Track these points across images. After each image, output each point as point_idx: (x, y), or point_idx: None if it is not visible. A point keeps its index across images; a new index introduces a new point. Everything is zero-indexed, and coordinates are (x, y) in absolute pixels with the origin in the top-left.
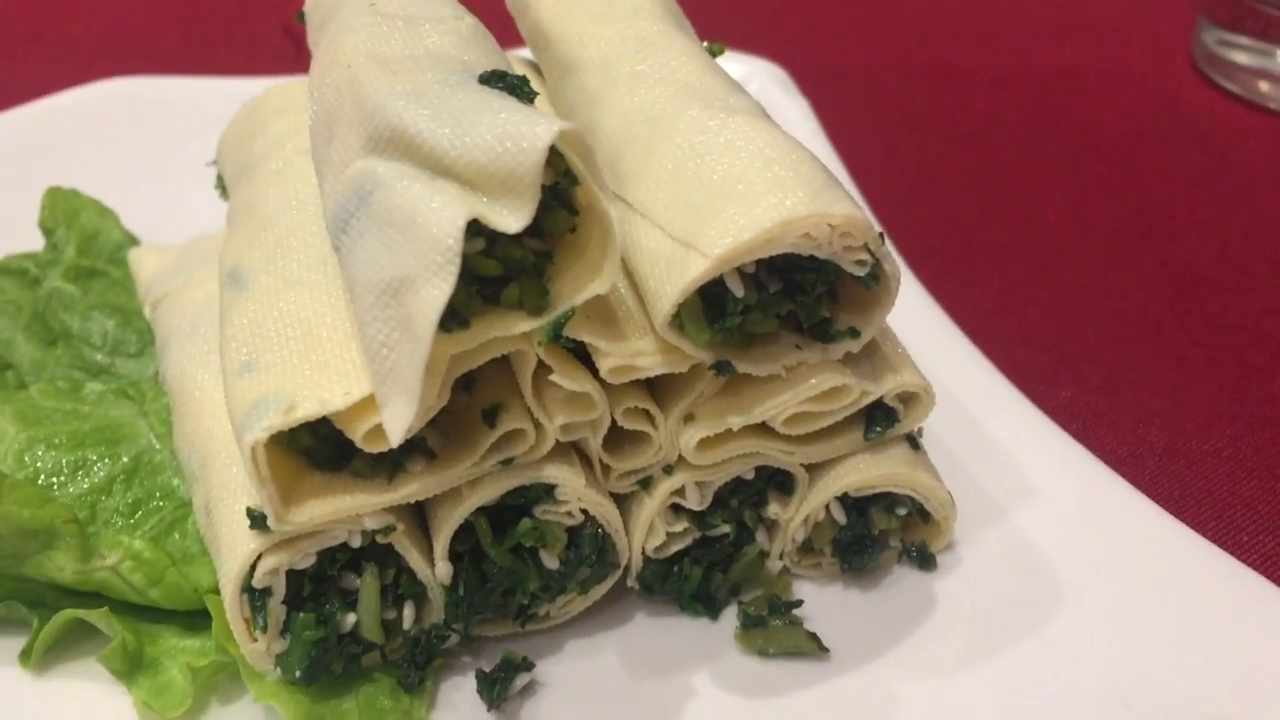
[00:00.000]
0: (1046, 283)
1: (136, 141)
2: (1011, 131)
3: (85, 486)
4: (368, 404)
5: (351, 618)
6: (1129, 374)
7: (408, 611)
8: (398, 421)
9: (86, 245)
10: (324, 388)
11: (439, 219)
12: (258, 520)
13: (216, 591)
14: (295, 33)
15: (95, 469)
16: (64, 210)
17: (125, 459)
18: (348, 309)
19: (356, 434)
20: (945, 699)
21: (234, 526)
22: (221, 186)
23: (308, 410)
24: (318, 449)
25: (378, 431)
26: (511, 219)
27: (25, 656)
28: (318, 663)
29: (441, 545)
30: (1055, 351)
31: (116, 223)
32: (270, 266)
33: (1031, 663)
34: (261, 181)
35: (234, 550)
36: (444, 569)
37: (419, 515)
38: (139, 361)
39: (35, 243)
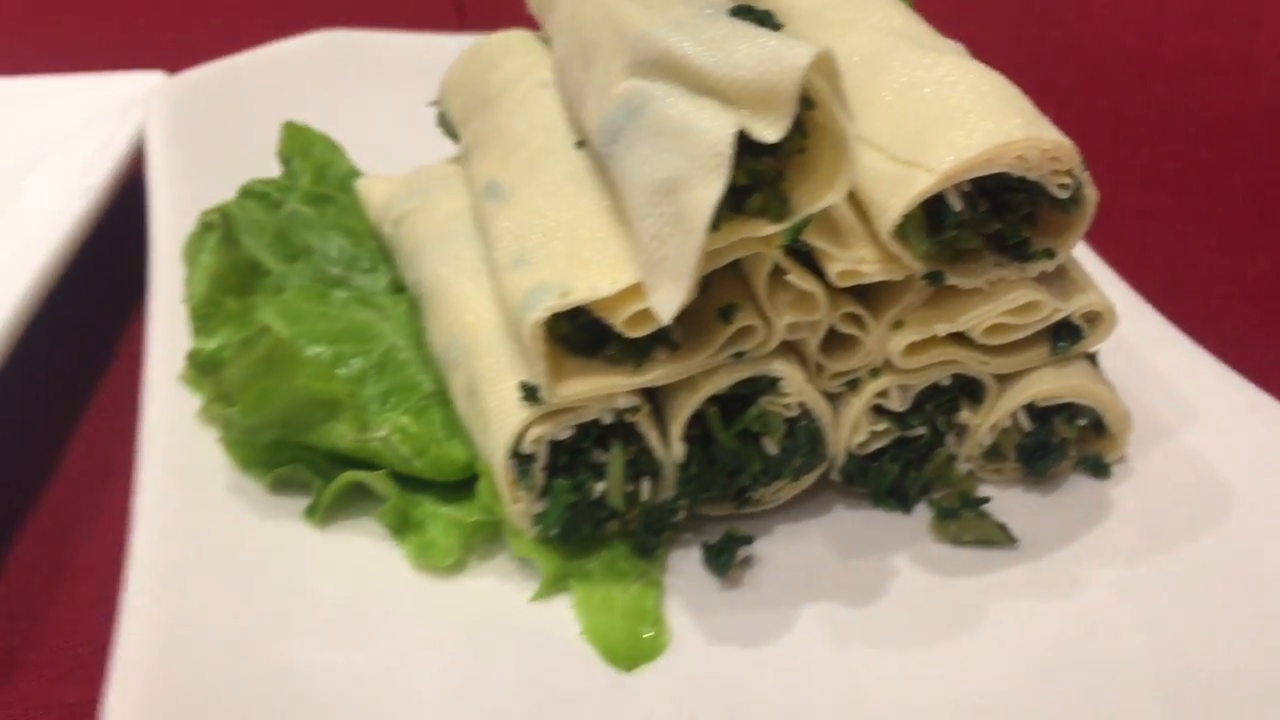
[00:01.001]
0: (1184, 249)
1: (348, 85)
2: (1144, 110)
3: (344, 376)
4: (631, 292)
5: (599, 487)
6: (1269, 330)
7: (645, 485)
8: (668, 303)
9: (319, 174)
10: (591, 278)
11: (712, 127)
12: (530, 393)
13: (470, 466)
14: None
15: (351, 362)
16: (299, 142)
17: (376, 355)
18: (602, 215)
19: (618, 318)
20: (1129, 584)
21: (504, 401)
22: (445, 122)
23: (581, 295)
24: (573, 336)
25: (639, 317)
26: (769, 131)
27: (311, 512)
28: (570, 524)
29: (678, 427)
30: (1197, 309)
31: (343, 155)
32: (527, 180)
33: (1207, 557)
34: (506, 111)
35: (505, 420)
36: (679, 449)
37: (655, 402)
38: (372, 276)
39: (268, 171)
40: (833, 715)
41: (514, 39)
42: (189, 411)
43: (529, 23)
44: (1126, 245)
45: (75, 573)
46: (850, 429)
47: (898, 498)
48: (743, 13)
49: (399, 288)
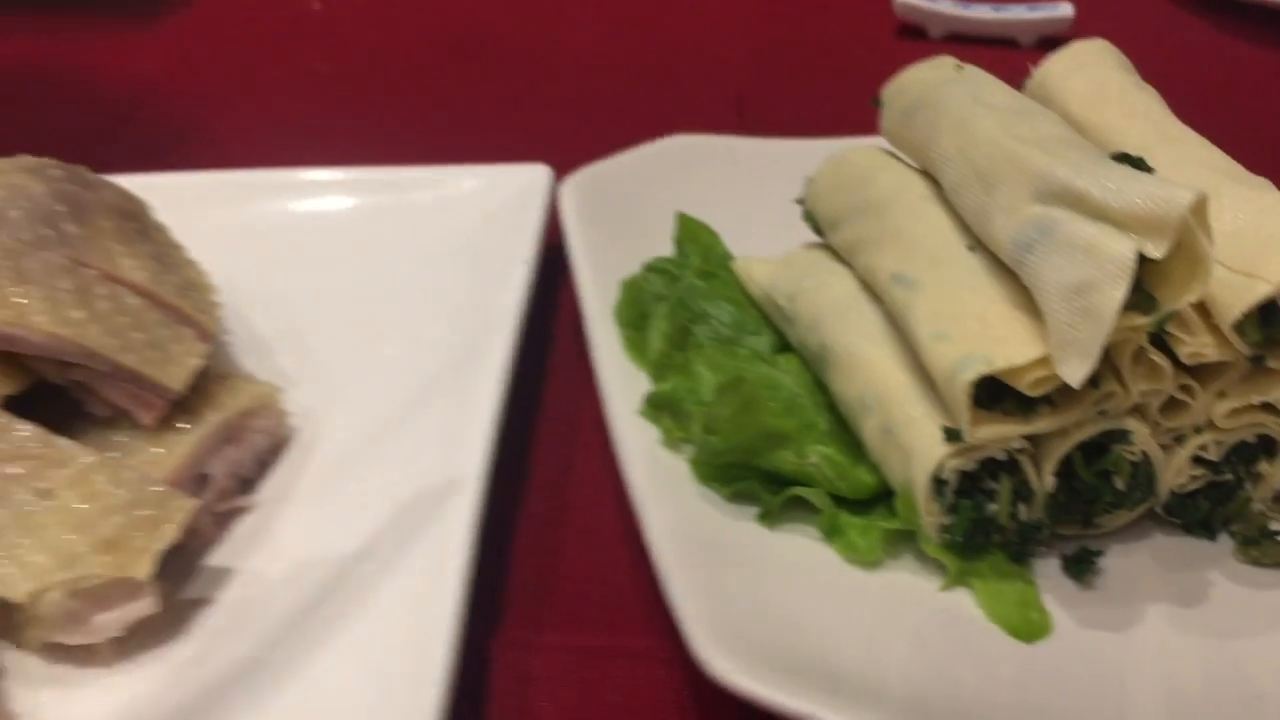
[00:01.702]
0: None
1: (701, 179)
2: None
3: None
4: (1038, 363)
5: (991, 507)
6: None
7: (1022, 508)
8: (1078, 373)
9: (705, 254)
10: (1005, 351)
11: (1118, 246)
12: (952, 435)
13: (874, 487)
14: (743, 102)
15: (768, 405)
16: (688, 228)
17: (783, 398)
18: (1003, 303)
19: (1024, 383)
20: None
21: (924, 440)
22: (811, 219)
23: (1001, 364)
24: (978, 395)
25: (1041, 380)
26: (1156, 251)
27: (764, 517)
28: (969, 534)
29: (1050, 465)
30: None
31: (719, 239)
32: (933, 274)
33: None
34: (899, 217)
35: (929, 454)
36: (1050, 481)
37: (1033, 444)
38: (758, 338)
39: (649, 249)
40: (1180, 687)
41: (875, 155)
42: (650, 437)
43: (803, 125)
44: None
45: (565, 554)
46: (1174, 473)
47: (1205, 528)
48: (1122, 159)
49: (782, 347)
